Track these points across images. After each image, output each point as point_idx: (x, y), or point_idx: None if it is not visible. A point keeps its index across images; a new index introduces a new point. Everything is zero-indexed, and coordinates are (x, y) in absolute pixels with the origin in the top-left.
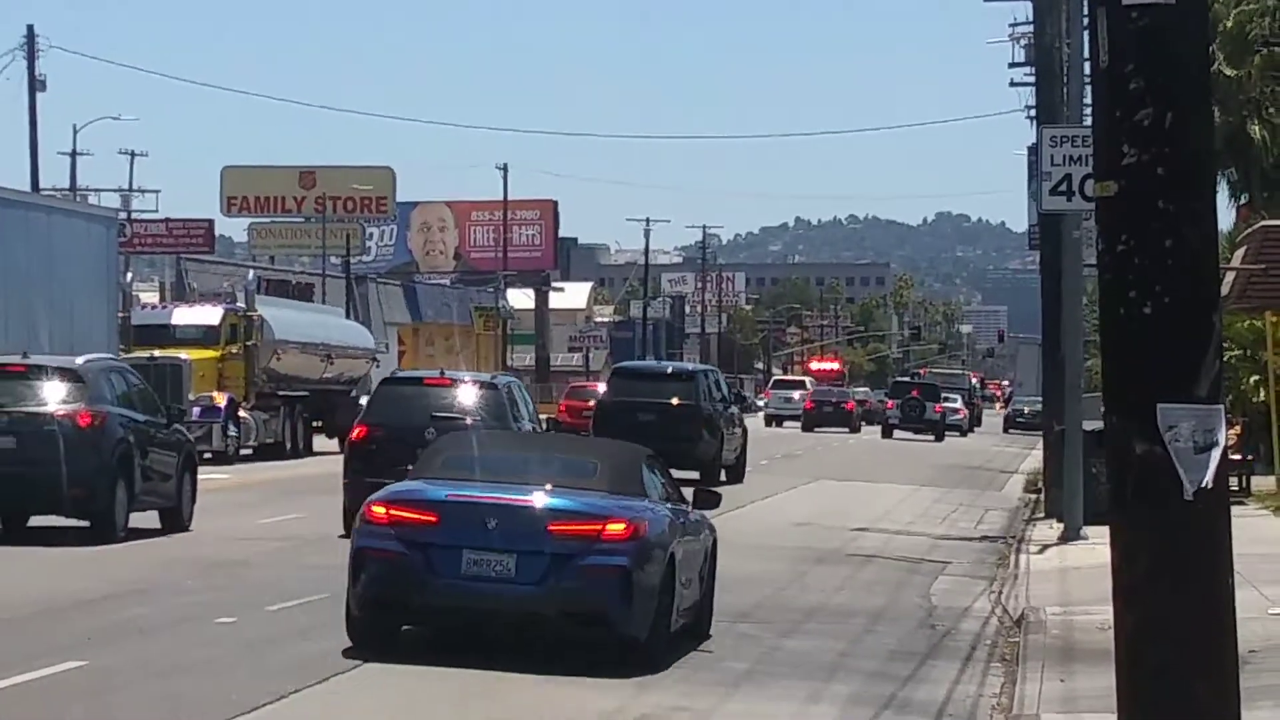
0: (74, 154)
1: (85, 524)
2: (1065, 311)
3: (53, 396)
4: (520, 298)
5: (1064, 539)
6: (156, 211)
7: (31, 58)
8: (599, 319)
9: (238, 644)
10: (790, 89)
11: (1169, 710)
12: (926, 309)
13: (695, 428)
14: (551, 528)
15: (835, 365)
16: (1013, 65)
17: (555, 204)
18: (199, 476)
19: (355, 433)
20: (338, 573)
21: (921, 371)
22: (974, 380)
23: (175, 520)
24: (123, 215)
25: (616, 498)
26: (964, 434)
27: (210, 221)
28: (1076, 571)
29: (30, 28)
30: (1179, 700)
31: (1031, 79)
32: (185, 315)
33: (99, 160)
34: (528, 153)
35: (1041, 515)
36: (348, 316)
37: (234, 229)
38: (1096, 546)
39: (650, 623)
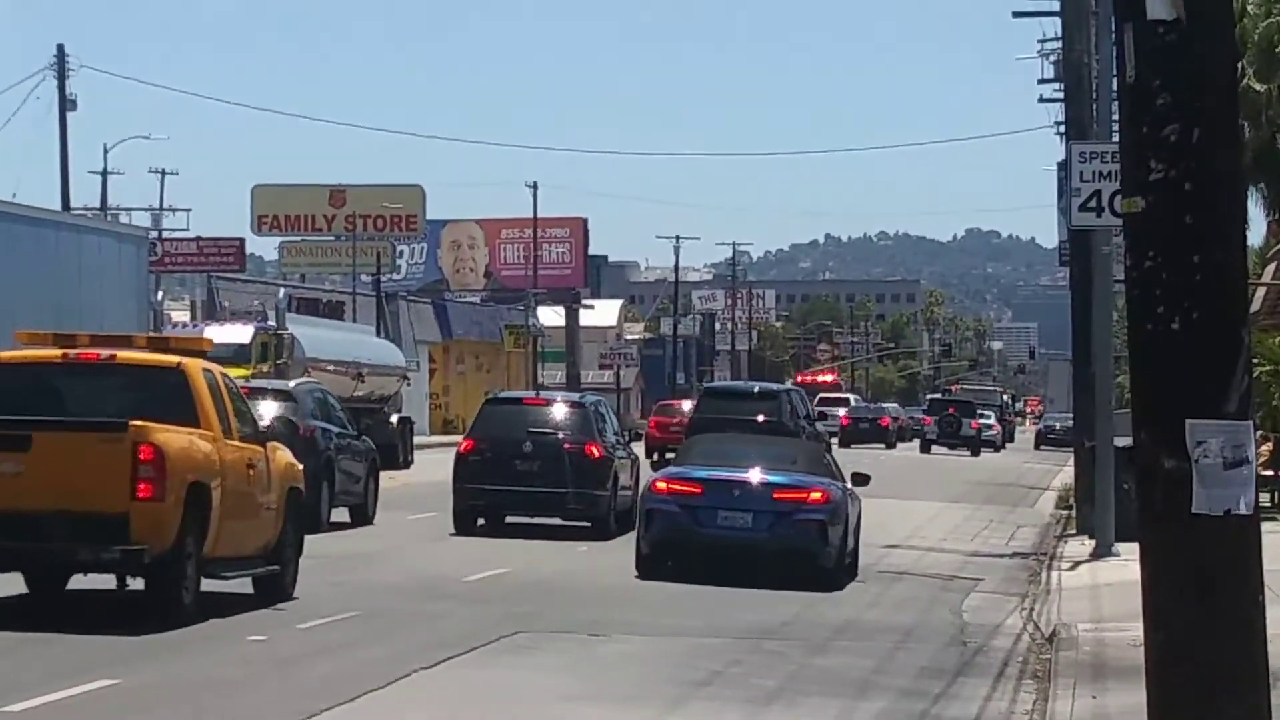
0: (104, 173)
1: None
2: (1095, 328)
3: (269, 413)
4: (550, 315)
5: (1096, 555)
6: (187, 230)
7: (62, 77)
8: (629, 336)
9: (269, 661)
10: (820, 106)
11: None
12: (957, 325)
13: None
14: (775, 495)
15: (830, 378)
16: (1042, 81)
17: (585, 221)
18: None
19: (463, 445)
20: (366, 591)
21: (953, 388)
22: (1006, 397)
23: (362, 515)
24: (153, 234)
25: (813, 476)
26: (998, 449)
27: (241, 240)
28: (1108, 588)
29: (60, 47)
30: (1209, 717)
31: (1060, 95)
32: (216, 334)
33: (130, 179)
34: (557, 171)
35: (1073, 532)
36: (378, 335)
37: (265, 248)
38: (1128, 563)
39: (835, 558)
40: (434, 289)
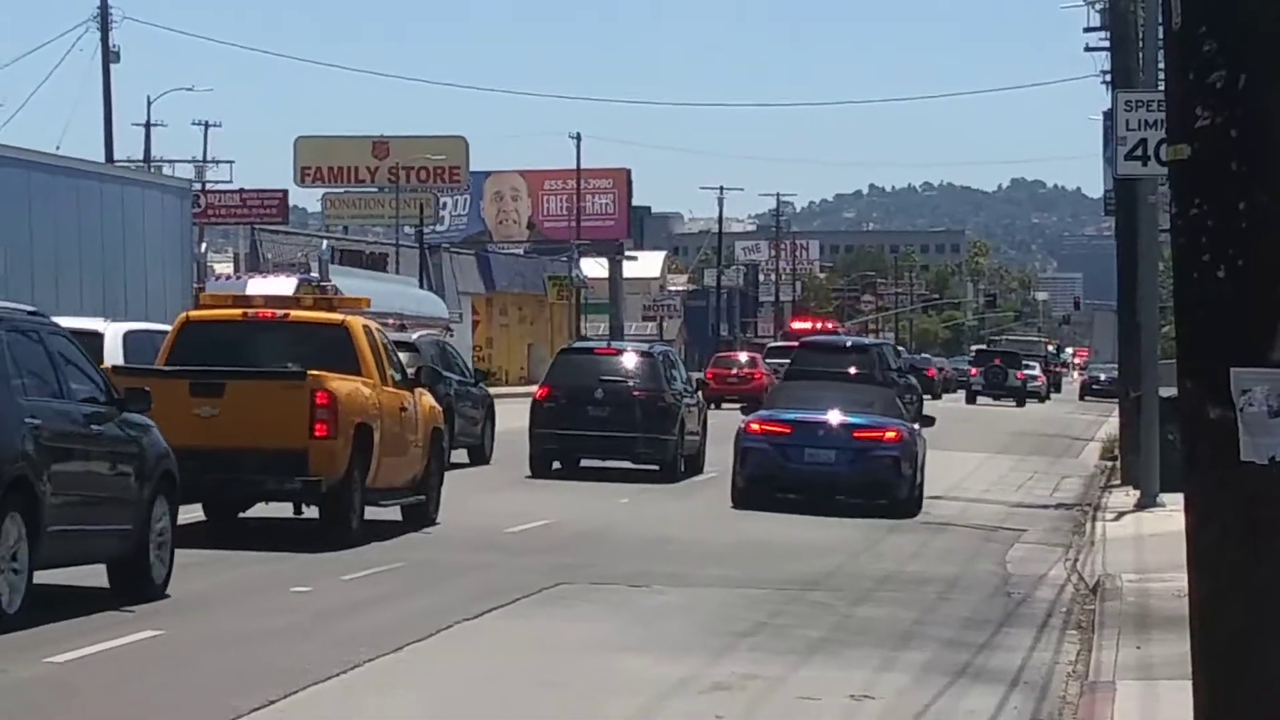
0: (148, 125)
1: None
2: (1141, 277)
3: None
4: (594, 267)
5: (1140, 506)
6: (230, 182)
7: (105, 30)
8: (673, 288)
9: (311, 613)
10: (865, 55)
11: (1244, 677)
12: (1002, 276)
13: None
14: (855, 434)
15: (829, 325)
16: (1088, 30)
17: (628, 173)
18: None
19: (539, 392)
20: (410, 543)
21: (997, 340)
22: (1051, 347)
23: (479, 456)
24: (197, 186)
25: (887, 417)
26: (1042, 400)
27: (284, 192)
28: (1153, 538)
29: (104, 0)
30: (1254, 667)
31: (1106, 43)
32: (260, 286)
33: (173, 132)
34: (601, 122)
35: (1118, 482)
36: (421, 286)
37: (308, 199)
38: (1173, 513)
39: (907, 490)
40: (477, 240)
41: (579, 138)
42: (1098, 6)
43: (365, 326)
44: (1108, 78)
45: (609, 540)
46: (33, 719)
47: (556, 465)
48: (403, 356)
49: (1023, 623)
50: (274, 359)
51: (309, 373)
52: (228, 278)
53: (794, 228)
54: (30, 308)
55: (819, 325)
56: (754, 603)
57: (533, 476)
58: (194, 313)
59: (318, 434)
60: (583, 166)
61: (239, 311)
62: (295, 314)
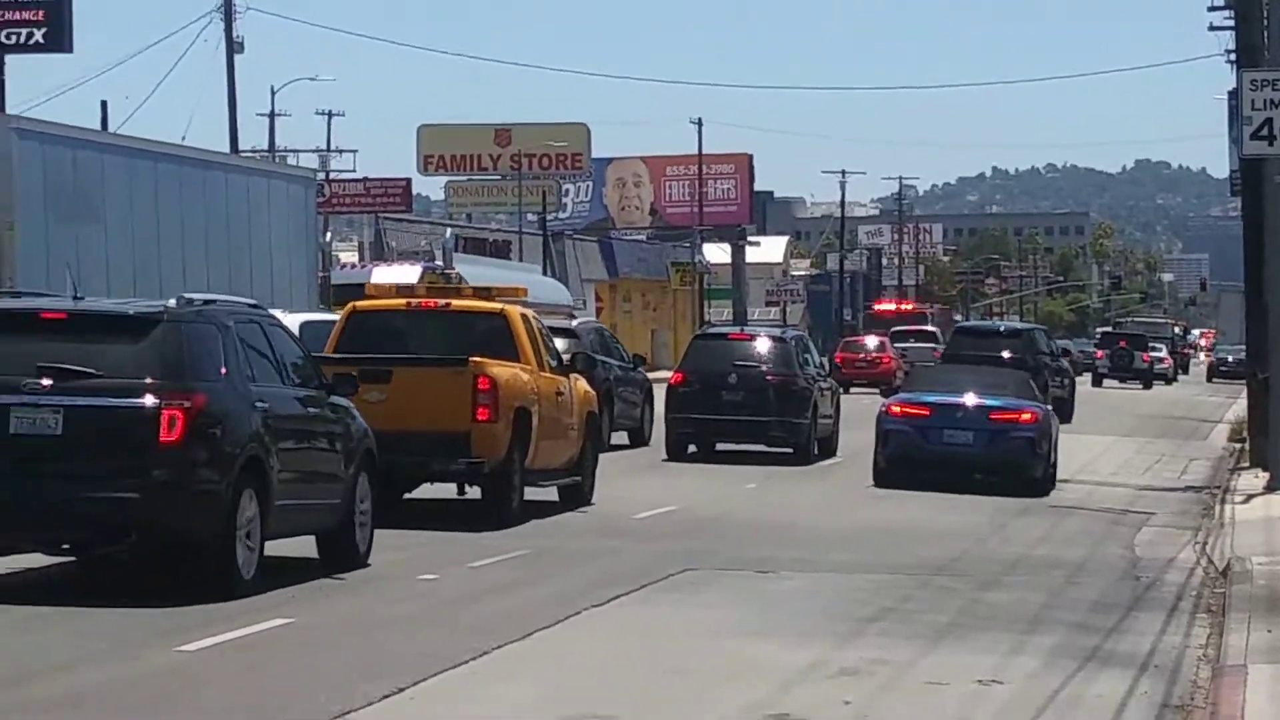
0: (272, 115)
1: None
2: (1268, 257)
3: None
4: (716, 252)
5: (1269, 488)
6: (354, 171)
7: (229, 20)
8: (795, 272)
9: (439, 601)
10: (986, 37)
11: None
12: (1127, 258)
13: None
14: (992, 416)
15: (909, 306)
16: (1212, 9)
17: (750, 158)
18: None
19: (674, 378)
20: (536, 529)
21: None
22: (1177, 329)
23: (639, 437)
24: (321, 175)
25: (1021, 399)
26: (1169, 382)
27: (407, 180)
28: None
29: None
30: None
31: (1231, 22)
32: (384, 274)
33: (297, 121)
34: (722, 107)
35: (1246, 465)
36: (544, 273)
37: (431, 187)
38: None
39: (1042, 468)
40: (600, 227)
41: (700, 123)
42: None
43: (523, 315)
44: (1232, 56)
45: (735, 525)
46: (159, 709)
47: (692, 449)
48: (563, 343)
49: (1152, 606)
50: (437, 347)
51: (471, 359)
52: (352, 266)
53: (917, 211)
54: (251, 301)
55: (900, 306)
56: (880, 588)
57: (669, 460)
58: (360, 303)
59: (480, 418)
60: (705, 152)
61: (403, 301)
62: (457, 303)
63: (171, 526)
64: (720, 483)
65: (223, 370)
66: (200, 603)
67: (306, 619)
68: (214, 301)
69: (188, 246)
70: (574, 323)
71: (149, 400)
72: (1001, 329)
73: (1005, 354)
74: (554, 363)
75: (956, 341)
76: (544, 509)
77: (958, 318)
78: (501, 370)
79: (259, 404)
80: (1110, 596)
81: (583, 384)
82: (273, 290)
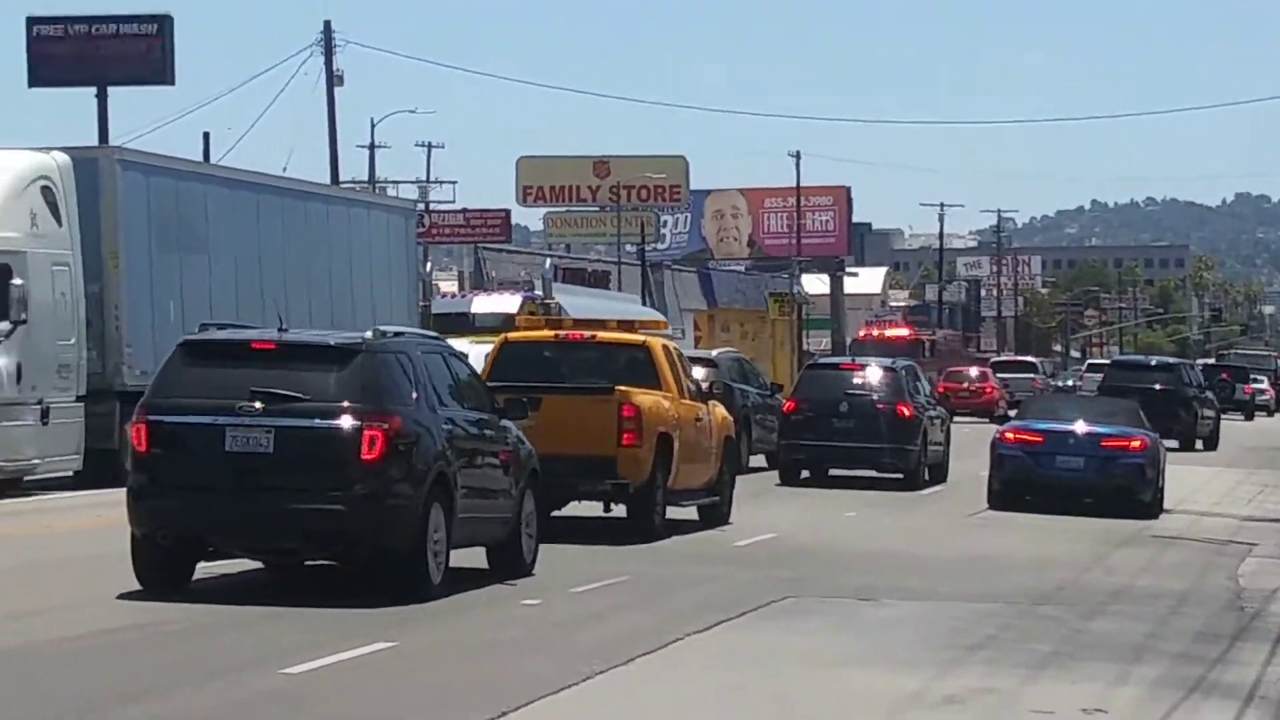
0: (372, 147)
1: None
2: None
3: (699, 378)
4: (814, 283)
5: None
6: (454, 202)
7: (329, 53)
8: (893, 303)
9: (543, 625)
10: (1085, 71)
11: None
12: (1227, 290)
13: (1174, 407)
14: (1103, 443)
15: (905, 332)
16: None
17: (848, 190)
18: None
19: (786, 405)
20: (636, 555)
21: (1226, 355)
22: (1279, 361)
23: (775, 460)
24: (420, 206)
25: (1132, 428)
26: (1271, 414)
27: (507, 211)
28: None
29: (327, 24)
30: None
31: None
32: (484, 304)
33: (396, 153)
34: (820, 140)
35: None
36: (644, 303)
37: (530, 218)
38: None
39: (1151, 494)
40: (698, 258)
41: (798, 156)
42: None
43: (664, 346)
44: None
45: (836, 553)
46: None
47: (805, 474)
48: (703, 371)
49: (1256, 637)
50: (583, 376)
51: (616, 388)
52: (452, 296)
53: (1015, 243)
54: (431, 333)
55: (883, 332)
56: (983, 616)
57: (781, 484)
58: (512, 334)
59: (625, 442)
60: (802, 184)
61: (551, 333)
62: (602, 335)
63: (372, 537)
64: (822, 509)
65: (414, 395)
66: (318, 622)
67: (409, 643)
68: (403, 333)
69: (289, 276)
70: (714, 353)
71: (351, 422)
72: (1153, 363)
73: (1157, 386)
74: (694, 390)
75: (1112, 374)
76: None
77: (999, 355)
78: (645, 398)
79: (444, 426)
80: (1214, 627)
81: (721, 410)
82: (374, 319)
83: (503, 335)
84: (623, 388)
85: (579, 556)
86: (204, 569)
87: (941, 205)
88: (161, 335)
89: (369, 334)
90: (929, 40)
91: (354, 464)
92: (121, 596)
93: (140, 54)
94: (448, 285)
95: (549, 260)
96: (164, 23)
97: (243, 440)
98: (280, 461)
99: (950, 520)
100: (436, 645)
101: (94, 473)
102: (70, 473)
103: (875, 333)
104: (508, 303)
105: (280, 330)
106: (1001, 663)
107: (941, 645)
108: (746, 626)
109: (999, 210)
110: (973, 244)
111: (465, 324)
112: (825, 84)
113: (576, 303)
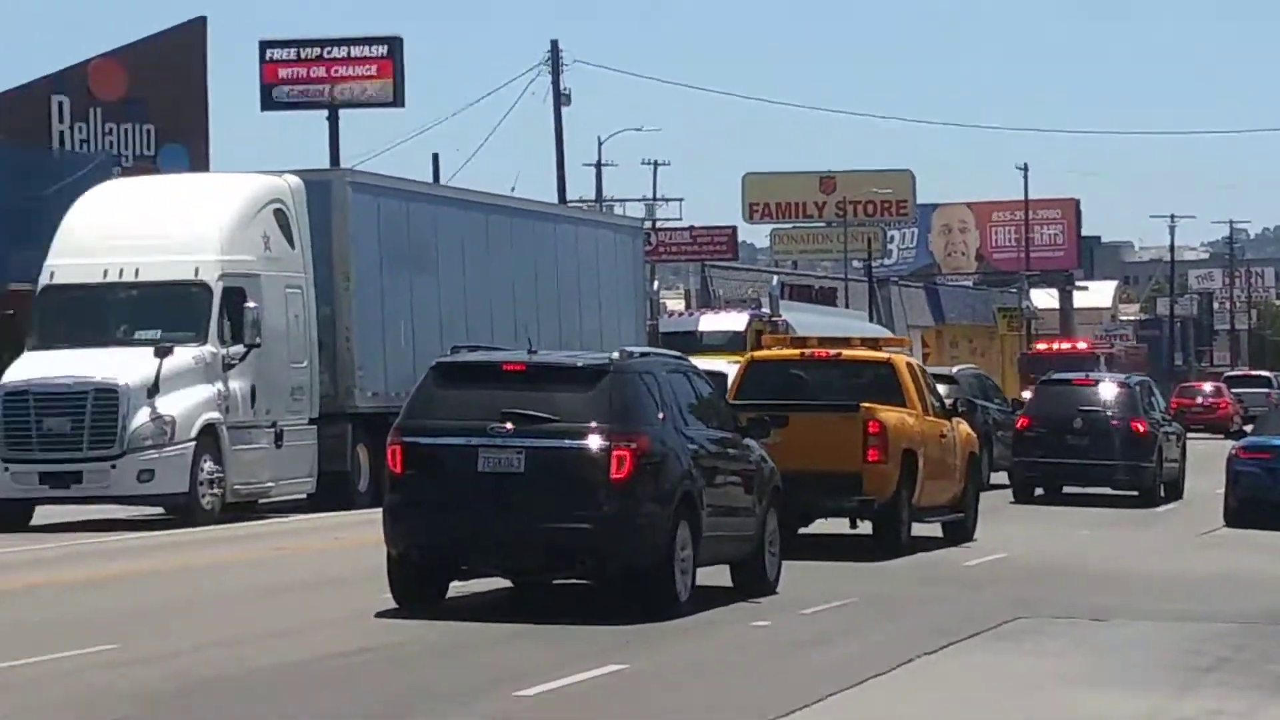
0: (599, 165)
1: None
2: None
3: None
4: (1043, 297)
5: None
6: (680, 219)
7: (556, 73)
8: (1124, 317)
9: (772, 646)
10: None
11: None
12: None
13: None
14: None
15: (1081, 345)
16: None
17: (1077, 202)
18: None
19: (1020, 422)
20: (863, 576)
21: None
22: None
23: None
24: (647, 224)
25: None
26: None
27: (733, 228)
28: None
29: (554, 43)
30: None
31: None
32: (712, 322)
33: (623, 171)
34: (1048, 152)
35: None
36: (870, 320)
37: (756, 235)
38: None
39: None
40: (925, 273)
41: (1026, 168)
42: None
43: (908, 363)
44: None
45: (1067, 572)
46: None
47: (1039, 492)
48: (945, 388)
49: None
50: (829, 393)
51: (861, 405)
52: (680, 314)
53: (1248, 255)
54: (676, 354)
55: (1058, 346)
56: (1217, 636)
57: (1015, 502)
58: (758, 353)
59: (870, 459)
60: (1030, 197)
61: (797, 352)
62: (847, 353)
63: (621, 555)
64: (1052, 528)
65: (660, 415)
66: (561, 640)
67: (639, 665)
68: (649, 353)
69: (518, 296)
70: (954, 370)
71: (600, 442)
72: None
73: None
74: (938, 406)
75: None
76: (863, 554)
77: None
78: (890, 415)
79: (689, 445)
80: None
81: (964, 426)
82: (602, 338)
83: (749, 354)
84: (868, 405)
85: (814, 575)
86: (457, 588)
87: (1172, 217)
88: (393, 357)
89: (616, 354)
90: (1157, 50)
91: (603, 484)
92: (379, 615)
93: (371, 76)
94: (674, 304)
95: (776, 277)
96: (394, 44)
97: (495, 460)
98: (531, 481)
99: (1185, 538)
100: (665, 669)
101: (327, 495)
102: (304, 495)
103: (1048, 346)
104: (735, 321)
105: (530, 351)
106: (1236, 684)
107: (1175, 666)
108: (979, 647)
109: (1231, 221)
110: (1204, 256)
111: (693, 342)
112: (1052, 96)
113: (803, 320)
